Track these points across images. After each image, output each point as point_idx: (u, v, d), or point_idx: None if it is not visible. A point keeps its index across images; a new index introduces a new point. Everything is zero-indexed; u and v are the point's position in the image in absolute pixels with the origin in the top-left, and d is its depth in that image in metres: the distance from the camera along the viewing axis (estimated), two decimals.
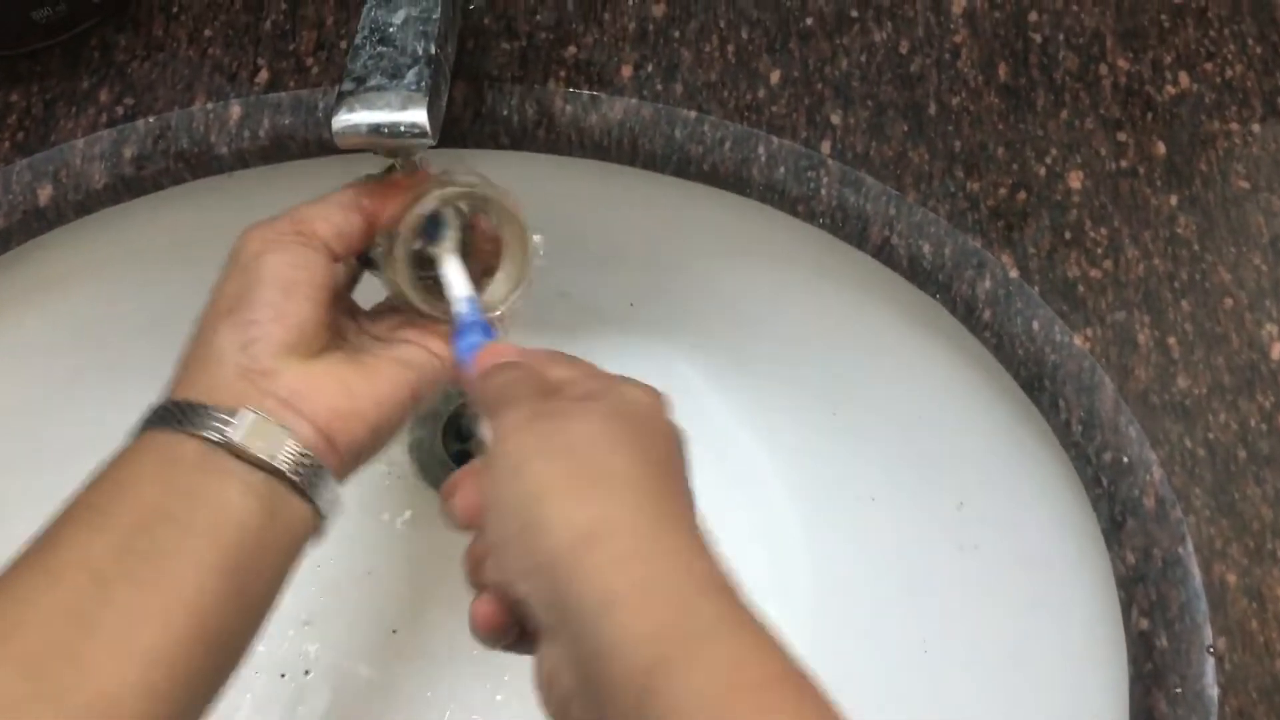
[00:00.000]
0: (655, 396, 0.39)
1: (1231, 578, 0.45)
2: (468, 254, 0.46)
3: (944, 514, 0.56)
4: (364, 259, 0.46)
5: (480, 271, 0.46)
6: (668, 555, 0.34)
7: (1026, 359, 0.49)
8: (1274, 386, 0.47)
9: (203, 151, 0.52)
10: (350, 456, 0.42)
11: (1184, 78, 0.53)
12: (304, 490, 0.39)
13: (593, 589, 0.33)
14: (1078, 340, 0.48)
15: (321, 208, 0.44)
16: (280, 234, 0.42)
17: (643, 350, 0.64)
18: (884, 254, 0.51)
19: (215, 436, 0.38)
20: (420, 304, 0.45)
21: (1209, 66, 0.53)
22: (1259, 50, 0.54)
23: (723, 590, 0.33)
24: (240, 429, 0.38)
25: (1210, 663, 0.43)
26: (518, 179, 0.56)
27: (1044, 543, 0.51)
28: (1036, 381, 0.49)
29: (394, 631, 0.62)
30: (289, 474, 0.39)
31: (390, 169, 0.46)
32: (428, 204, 0.44)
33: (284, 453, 0.39)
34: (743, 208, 0.53)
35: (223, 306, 0.41)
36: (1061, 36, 0.54)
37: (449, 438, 0.67)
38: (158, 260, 0.57)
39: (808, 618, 0.59)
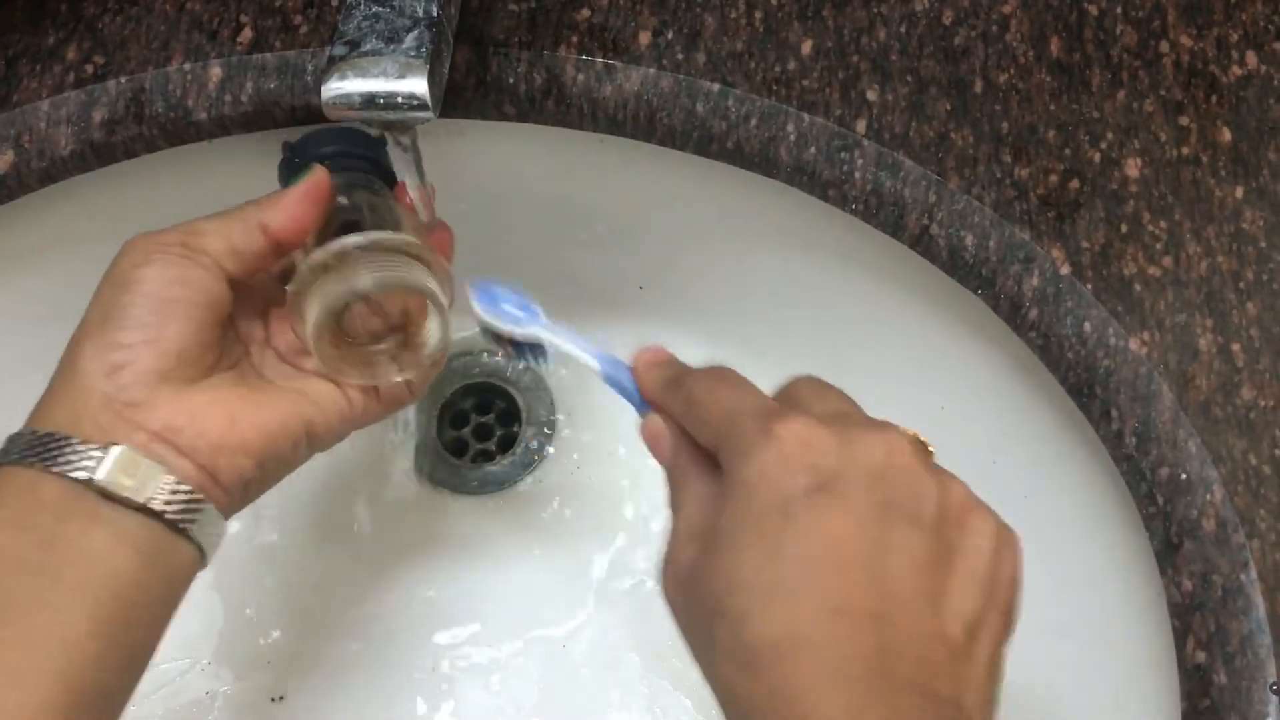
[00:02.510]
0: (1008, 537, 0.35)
1: None
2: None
3: None
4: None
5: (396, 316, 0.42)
6: None
7: (1076, 363, 0.45)
8: None
9: (179, 116, 0.48)
10: (237, 491, 0.38)
11: (1251, 57, 0.49)
12: (183, 530, 0.36)
13: None
14: (1133, 344, 0.44)
15: (219, 222, 0.39)
16: (165, 246, 0.38)
17: (651, 337, 0.60)
18: (922, 244, 0.47)
19: (80, 475, 0.34)
20: (324, 366, 0.40)
21: (1279, 46, 0.49)
22: None
23: None
24: (106, 466, 0.34)
25: (1274, 702, 0.40)
26: (524, 153, 0.52)
27: (1088, 563, 0.47)
28: (1087, 388, 0.45)
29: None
30: (167, 515, 0.35)
31: (300, 172, 0.40)
32: (367, 285, 0.38)
33: (159, 492, 0.35)
34: (768, 190, 0.49)
35: (90, 324, 0.37)
36: (1119, 9, 0.50)
37: (444, 425, 0.63)
38: (130, 234, 0.52)
39: None
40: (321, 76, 0.39)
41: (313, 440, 0.40)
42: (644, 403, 0.39)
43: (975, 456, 0.53)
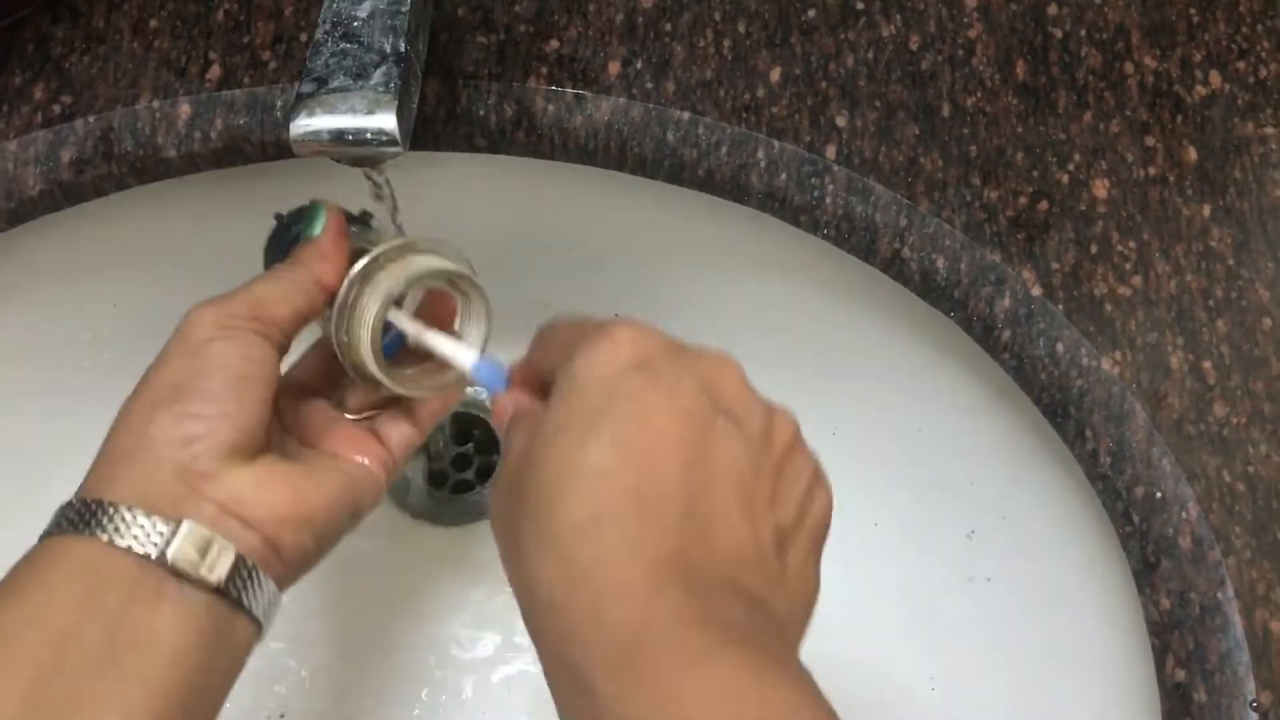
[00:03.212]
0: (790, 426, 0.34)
1: (1276, 625, 0.41)
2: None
3: (952, 543, 0.53)
4: None
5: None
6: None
7: (1050, 384, 0.45)
8: None
9: (149, 154, 0.48)
10: (296, 566, 0.37)
11: (1215, 77, 0.49)
12: (246, 607, 0.35)
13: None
14: (1106, 364, 0.45)
15: (280, 288, 0.39)
16: (235, 318, 0.37)
17: None
18: (894, 268, 0.47)
19: (150, 550, 0.33)
20: (397, 388, 0.40)
21: (1241, 65, 0.50)
22: None
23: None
24: (178, 542, 0.33)
25: (1255, 719, 0.40)
26: (496, 184, 0.52)
27: (1066, 582, 0.47)
28: (1061, 408, 0.45)
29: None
30: (231, 593, 0.34)
31: (315, 217, 0.41)
32: (393, 286, 0.39)
33: (227, 569, 0.34)
34: (740, 217, 0.50)
35: (162, 393, 0.36)
36: (1084, 32, 0.50)
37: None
38: (100, 274, 0.52)
39: (804, 650, 0.55)
40: (289, 113, 0.39)
41: (357, 509, 0.39)
42: (506, 383, 0.39)
43: (953, 479, 0.53)
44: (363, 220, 0.43)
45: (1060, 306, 0.45)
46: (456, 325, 0.43)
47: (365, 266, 0.39)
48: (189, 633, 0.33)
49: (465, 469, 0.63)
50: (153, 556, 0.33)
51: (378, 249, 0.40)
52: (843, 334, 0.53)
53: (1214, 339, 0.45)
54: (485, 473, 0.63)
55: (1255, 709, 0.40)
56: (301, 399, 0.42)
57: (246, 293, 0.38)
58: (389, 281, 0.39)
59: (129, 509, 0.34)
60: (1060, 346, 0.45)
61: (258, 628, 0.36)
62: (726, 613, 0.30)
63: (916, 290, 0.47)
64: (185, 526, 0.34)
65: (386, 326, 0.40)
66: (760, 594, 0.31)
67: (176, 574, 0.33)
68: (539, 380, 0.37)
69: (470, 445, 0.63)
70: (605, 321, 0.34)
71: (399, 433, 0.42)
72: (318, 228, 0.40)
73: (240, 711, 0.56)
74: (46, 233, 0.50)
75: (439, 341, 0.41)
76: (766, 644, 0.30)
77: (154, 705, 0.32)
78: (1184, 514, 0.43)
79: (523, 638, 0.58)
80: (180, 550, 0.33)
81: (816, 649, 0.55)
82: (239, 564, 0.34)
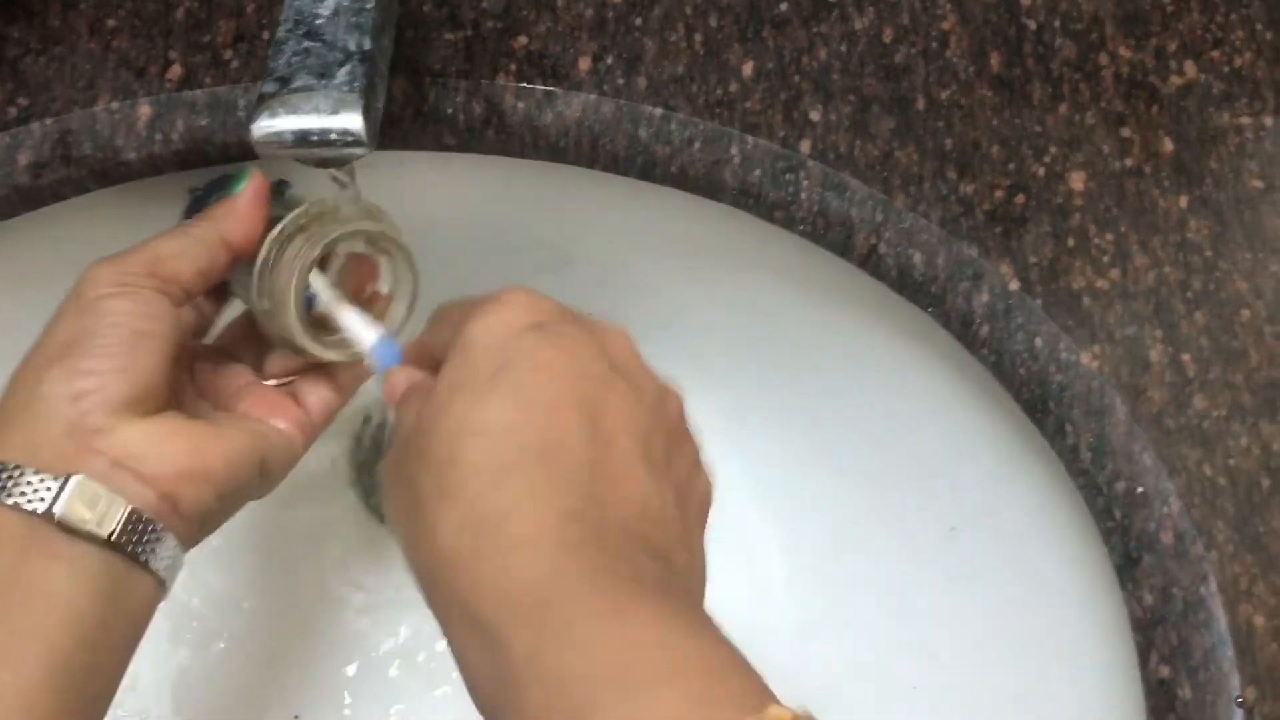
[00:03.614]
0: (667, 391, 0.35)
1: (1259, 620, 0.41)
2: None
3: (933, 540, 0.52)
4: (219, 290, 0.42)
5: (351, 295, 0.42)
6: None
7: (1029, 379, 0.45)
8: None
9: (108, 157, 0.47)
10: (196, 523, 0.37)
11: (1190, 67, 0.49)
12: (143, 561, 0.34)
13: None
14: (1085, 358, 0.44)
15: (182, 243, 0.39)
16: (132, 274, 0.37)
17: None
18: (871, 264, 0.47)
19: (38, 506, 0.33)
20: (319, 353, 0.40)
21: (1216, 54, 0.49)
22: (1269, 36, 0.50)
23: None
24: (65, 498, 0.33)
25: (1239, 715, 0.40)
26: (466, 183, 0.51)
27: (1049, 578, 0.47)
28: (1040, 404, 0.44)
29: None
30: (126, 547, 0.34)
31: (235, 182, 0.41)
32: (312, 250, 0.39)
33: (119, 524, 0.34)
34: (714, 213, 0.49)
35: (53, 350, 0.36)
36: (1058, 23, 0.50)
37: None
38: (59, 280, 0.51)
39: (787, 647, 0.55)
40: (250, 114, 0.38)
41: (265, 472, 0.39)
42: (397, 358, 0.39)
43: (933, 476, 0.53)
44: (278, 190, 0.43)
45: (1038, 301, 0.45)
46: (382, 289, 0.42)
47: (283, 229, 0.39)
48: (83, 588, 0.33)
49: None
50: (39, 512, 0.33)
51: (297, 210, 0.39)
52: (819, 331, 0.53)
53: (1193, 331, 0.45)
54: None
55: (1240, 705, 0.40)
56: (220, 364, 0.42)
57: (144, 249, 0.38)
58: (308, 245, 0.39)
59: (16, 468, 0.33)
60: (1039, 341, 0.45)
61: (159, 584, 0.36)
62: (637, 565, 0.29)
63: (893, 286, 0.47)
64: (73, 481, 0.33)
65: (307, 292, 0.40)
66: (665, 549, 0.31)
67: (66, 529, 0.33)
68: (431, 359, 0.37)
69: None
70: (496, 291, 0.34)
71: (318, 395, 0.42)
72: (238, 189, 0.40)
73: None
74: (4, 239, 0.48)
75: (346, 315, 0.40)
76: (678, 597, 0.30)
77: (50, 659, 0.32)
78: (1166, 509, 0.42)
79: None
80: (68, 506, 0.33)
81: (800, 646, 0.55)
82: (133, 518, 0.34)
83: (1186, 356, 0.44)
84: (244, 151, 0.47)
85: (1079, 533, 0.45)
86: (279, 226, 0.39)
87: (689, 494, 0.34)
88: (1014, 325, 0.45)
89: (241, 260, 0.40)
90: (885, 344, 0.51)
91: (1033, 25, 0.50)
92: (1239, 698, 0.40)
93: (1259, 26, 0.50)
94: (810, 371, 0.55)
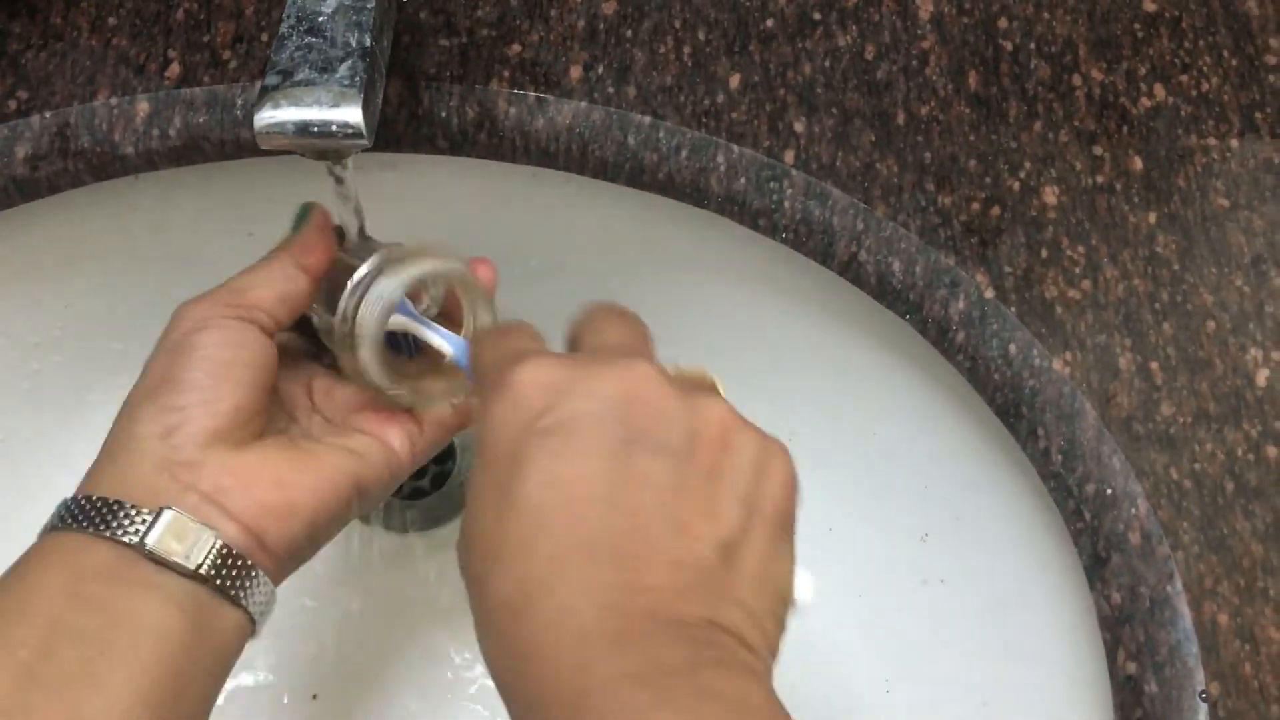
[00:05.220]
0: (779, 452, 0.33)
1: (1223, 618, 0.42)
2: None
3: (908, 546, 0.53)
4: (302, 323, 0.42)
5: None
6: None
7: (1003, 384, 0.46)
8: (1259, 414, 0.45)
9: (106, 151, 0.47)
10: (285, 556, 0.37)
11: (1159, 89, 0.51)
12: (233, 596, 0.35)
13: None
14: (1057, 365, 0.46)
15: (260, 273, 0.40)
16: (215, 308, 0.38)
17: None
18: (851, 271, 0.48)
19: (129, 539, 0.34)
20: (389, 389, 0.41)
21: (1184, 79, 0.51)
22: (1234, 62, 0.52)
23: None
24: (157, 531, 0.34)
25: (1203, 710, 0.41)
26: (457, 186, 0.52)
27: (1020, 579, 0.48)
28: (1013, 408, 0.46)
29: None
30: (214, 580, 0.35)
31: (303, 216, 0.42)
32: (395, 288, 0.40)
33: (207, 556, 0.35)
34: (699, 220, 0.50)
35: (146, 389, 0.37)
36: (1033, 45, 0.51)
37: None
38: (56, 272, 0.52)
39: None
40: (253, 106, 0.39)
41: (363, 495, 0.40)
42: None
43: (909, 480, 0.54)
44: (340, 234, 0.44)
45: (1013, 309, 0.46)
46: (463, 331, 0.43)
47: (362, 276, 0.39)
48: (172, 617, 0.34)
49: (420, 476, 0.63)
50: (131, 544, 0.34)
51: (377, 255, 0.40)
52: (799, 337, 0.54)
53: (1160, 341, 0.46)
54: (440, 481, 0.62)
55: (1204, 699, 0.41)
56: (338, 381, 0.42)
57: (227, 284, 0.40)
58: (389, 287, 0.39)
59: (114, 502, 0.35)
60: (1013, 348, 0.46)
61: (248, 619, 0.36)
62: (665, 660, 0.28)
63: (873, 293, 0.48)
64: (165, 515, 0.35)
65: (390, 337, 0.41)
66: (708, 614, 0.30)
67: (157, 561, 0.34)
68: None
69: None
70: (517, 354, 0.33)
71: (436, 411, 0.43)
72: (302, 220, 0.42)
73: None
74: (1, 230, 0.49)
75: (428, 334, 0.41)
76: (709, 679, 0.28)
77: (139, 685, 0.33)
78: (1133, 510, 0.43)
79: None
80: (159, 538, 0.34)
81: None
82: (223, 552, 0.35)
83: (1154, 365, 0.46)
84: (240, 149, 0.48)
85: (1049, 534, 0.46)
86: (358, 274, 0.39)
87: (749, 524, 0.31)
88: (989, 332, 0.46)
89: (320, 297, 0.41)
90: (863, 350, 0.52)
91: (1009, 46, 0.51)
92: (1203, 692, 0.41)
93: (1225, 53, 0.52)
94: (788, 377, 0.56)
